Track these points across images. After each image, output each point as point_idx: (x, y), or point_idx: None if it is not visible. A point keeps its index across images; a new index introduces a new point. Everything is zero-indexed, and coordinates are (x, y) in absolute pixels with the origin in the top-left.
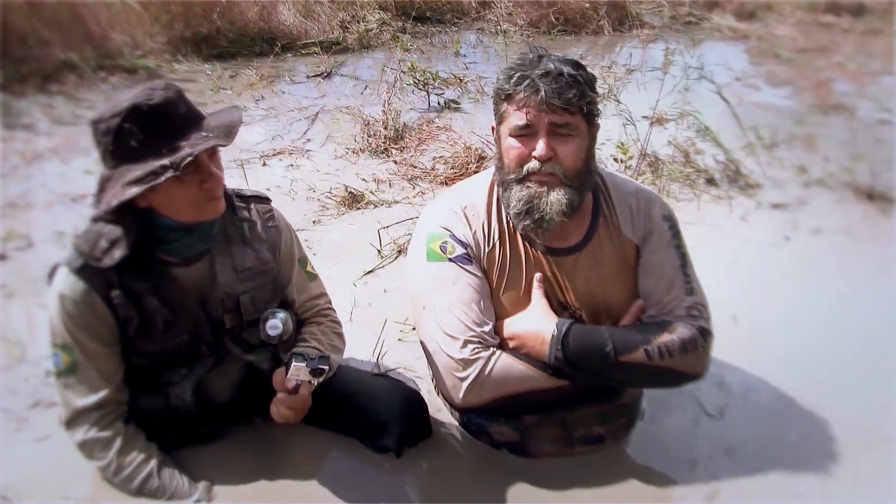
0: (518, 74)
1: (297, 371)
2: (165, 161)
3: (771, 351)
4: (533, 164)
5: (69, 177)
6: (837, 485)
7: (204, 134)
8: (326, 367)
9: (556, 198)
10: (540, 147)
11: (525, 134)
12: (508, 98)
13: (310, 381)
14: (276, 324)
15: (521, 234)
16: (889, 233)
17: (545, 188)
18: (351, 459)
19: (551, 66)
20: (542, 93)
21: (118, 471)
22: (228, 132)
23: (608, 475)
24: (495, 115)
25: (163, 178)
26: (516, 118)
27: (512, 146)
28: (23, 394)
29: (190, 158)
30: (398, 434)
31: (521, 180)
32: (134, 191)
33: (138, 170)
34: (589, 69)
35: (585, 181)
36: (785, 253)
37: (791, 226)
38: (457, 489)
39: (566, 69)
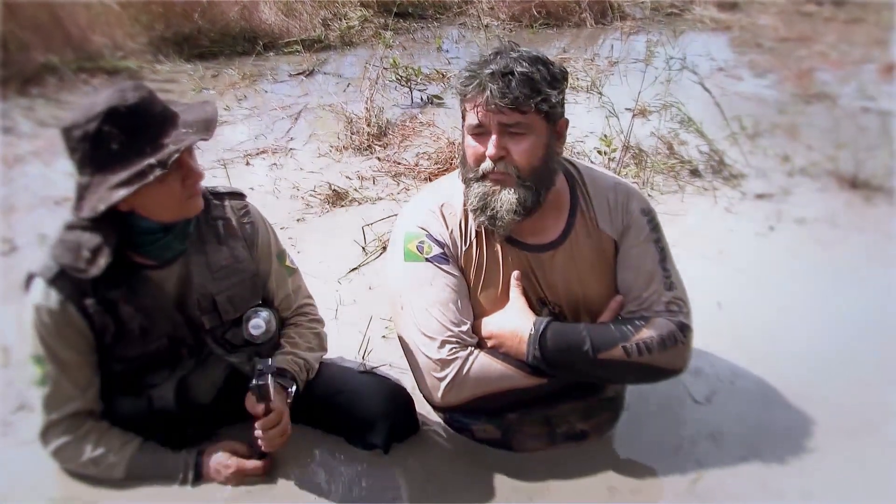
0: (468, 74)
1: (271, 386)
2: (152, 160)
3: (758, 339)
4: (487, 164)
5: (52, 180)
6: (819, 475)
7: (183, 130)
8: (271, 361)
9: (508, 197)
10: (490, 147)
11: (479, 133)
12: (463, 97)
13: (284, 388)
14: (258, 323)
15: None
16: (873, 221)
17: (498, 187)
18: (339, 457)
19: (501, 64)
20: (488, 92)
21: (100, 461)
22: (207, 126)
23: (594, 464)
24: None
25: (151, 178)
26: (470, 117)
27: (469, 145)
28: (8, 398)
29: (177, 155)
30: (385, 431)
31: (479, 178)
32: (122, 193)
33: (123, 172)
34: (571, 63)
35: (543, 179)
36: (770, 242)
37: (775, 215)
38: (445, 484)
39: (519, 67)
